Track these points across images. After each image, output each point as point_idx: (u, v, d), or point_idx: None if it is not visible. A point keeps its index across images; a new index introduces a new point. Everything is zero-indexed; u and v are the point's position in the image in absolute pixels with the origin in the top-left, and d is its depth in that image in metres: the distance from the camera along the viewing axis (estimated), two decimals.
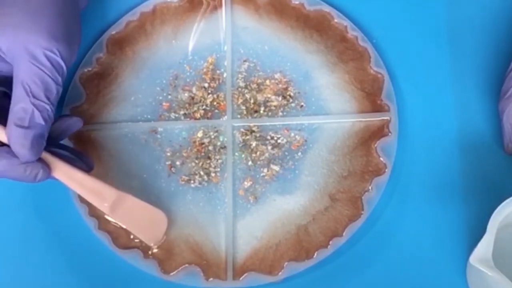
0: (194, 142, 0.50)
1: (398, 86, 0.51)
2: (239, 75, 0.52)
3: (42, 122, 0.42)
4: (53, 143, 0.46)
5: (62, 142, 0.47)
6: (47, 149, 0.44)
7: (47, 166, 0.43)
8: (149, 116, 0.52)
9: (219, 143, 0.50)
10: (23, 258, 0.48)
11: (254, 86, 0.52)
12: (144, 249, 0.47)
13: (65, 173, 0.44)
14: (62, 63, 0.43)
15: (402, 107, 0.50)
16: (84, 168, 0.46)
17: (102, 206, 0.45)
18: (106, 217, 0.47)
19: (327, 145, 0.50)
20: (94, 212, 0.48)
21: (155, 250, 0.47)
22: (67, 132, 0.47)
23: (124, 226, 0.47)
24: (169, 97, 0.52)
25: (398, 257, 0.46)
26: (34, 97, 0.41)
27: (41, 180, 0.43)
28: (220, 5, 0.54)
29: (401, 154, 0.49)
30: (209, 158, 0.50)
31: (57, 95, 0.43)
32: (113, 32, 0.54)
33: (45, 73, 0.42)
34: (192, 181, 0.49)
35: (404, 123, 0.50)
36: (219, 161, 0.50)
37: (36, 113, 0.41)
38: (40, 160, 0.43)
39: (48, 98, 0.42)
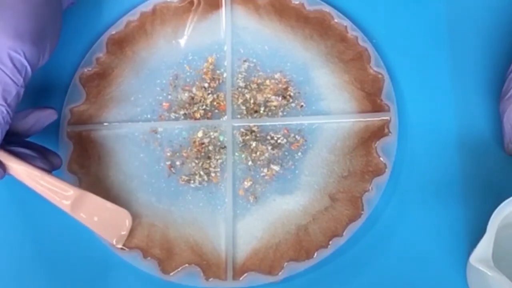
0: (194, 142, 0.50)
1: (398, 86, 0.51)
2: (239, 75, 0.52)
3: None
4: (19, 140, 0.45)
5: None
6: (5, 148, 0.43)
7: (2, 166, 0.43)
8: (149, 116, 0.52)
9: (219, 143, 0.50)
10: (23, 258, 0.48)
11: (254, 86, 0.52)
12: (144, 249, 0.47)
13: (22, 172, 0.44)
14: (27, 64, 0.42)
15: (402, 107, 0.50)
16: (45, 167, 0.45)
17: (63, 204, 0.45)
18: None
19: (327, 145, 0.50)
20: None
21: (155, 250, 0.47)
22: (38, 126, 0.46)
23: (86, 224, 0.46)
24: (169, 97, 0.52)
25: (398, 257, 0.46)
26: None
27: None
28: (220, 5, 0.54)
29: (401, 154, 0.49)
30: (209, 158, 0.50)
31: (17, 96, 0.43)
32: (113, 32, 0.54)
33: (5, 73, 0.41)
34: (192, 181, 0.49)
35: (404, 123, 0.50)
36: (219, 161, 0.50)
37: None
38: None
39: (5, 100, 0.42)
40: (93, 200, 0.45)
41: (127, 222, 0.46)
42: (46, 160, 0.45)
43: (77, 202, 0.45)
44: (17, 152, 0.44)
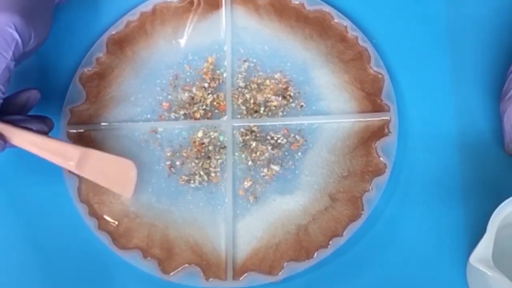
0: (194, 142, 0.50)
1: (398, 86, 0.51)
2: (239, 75, 0.52)
3: None
4: (18, 113, 0.45)
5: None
6: (1, 119, 0.43)
7: (1, 137, 0.43)
8: (149, 116, 0.52)
9: (219, 143, 0.50)
10: (23, 258, 0.48)
11: (254, 86, 0.52)
12: (144, 249, 0.47)
13: (23, 140, 0.44)
14: (17, 37, 0.42)
15: (402, 107, 0.50)
16: (44, 129, 0.45)
17: (68, 165, 0.45)
18: (105, 216, 0.47)
19: (327, 145, 0.50)
20: (94, 212, 0.48)
21: (155, 250, 0.47)
22: (28, 106, 0.46)
23: (94, 181, 0.46)
24: (169, 97, 0.52)
25: (398, 257, 0.46)
26: None
27: None
28: (220, 5, 0.54)
29: (401, 154, 0.49)
30: (209, 158, 0.50)
31: (7, 70, 0.42)
32: (113, 32, 0.54)
33: None
34: (192, 181, 0.49)
35: (404, 123, 0.50)
36: (219, 161, 0.50)
37: None
38: None
39: None
40: (97, 156, 0.46)
41: (133, 172, 0.46)
42: (40, 121, 0.46)
43: (82, 161, 0.45)
44: (13, 120, 0.44)
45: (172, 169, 0.50)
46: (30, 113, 0.47)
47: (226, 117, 0.51)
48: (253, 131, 0.50)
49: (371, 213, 0.47)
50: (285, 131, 0.50)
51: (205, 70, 0.53)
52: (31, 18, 0.44)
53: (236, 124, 0.51)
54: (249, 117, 0.51)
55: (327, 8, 0.53)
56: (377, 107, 0.50)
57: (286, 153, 0.50)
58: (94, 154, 0.45)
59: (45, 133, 0.46)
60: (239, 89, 0.52)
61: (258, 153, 0.50)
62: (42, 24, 0.46)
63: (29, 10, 0.44)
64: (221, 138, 0.50)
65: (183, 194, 0.49)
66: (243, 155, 0.50)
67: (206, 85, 0.52)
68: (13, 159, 0.50)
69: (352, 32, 0.52)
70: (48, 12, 0.47)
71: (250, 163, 0.50)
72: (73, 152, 0.45)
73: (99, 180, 0.46)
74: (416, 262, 0.46)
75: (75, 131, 0.51)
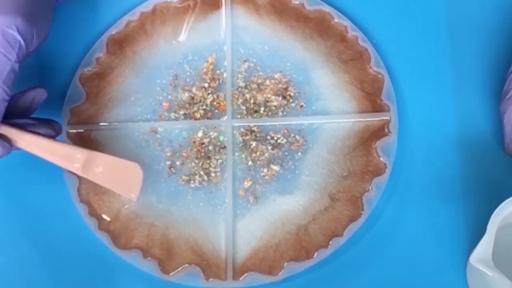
0: (194, 142, 0.50)
1: (398, 86, 0.51)
2: (239, 75, 0.52)
3: None
4: (24, 114, 0.45)
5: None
6: (7, 122, 0.44)
7: (7, 140, 0.43)
8: (149, 116, 0.52)
9: (219, 143, 0.50)
10: (23, 258, 0.48)
11: (254, 86, 0.52)
12: (144, 249, 0.47)
13: (29, 143, 0.44)
14: (20, 39, 0.42)
15: (402, 107, 0.50)
16: (51, 134, 0.45)
17: (74, 168, 0.45)
18: (104, 216, 0.47)
19: (327, 145, 0.50)
20: (94, 212, 0.48)
21: (155, 250, 0.47)
22: (34, 105, 0.46)
23: (101, 184, 0.46)
24: (169, 97, 0.52)
25: (398, 257, 0.46)
26: None
27: (3, 155, 0.43)
28: (220, 5, 0.54)
29: (401, 154, 0.49)
30: (209, 158, 0.50)
31: (12, 72, 0.43)
32: (113, 32, 0.54)
33: None
34: (192, 181, 0.49)
35: (404, 123, 0.50)
36: (219, 161, 0.50)
37: None
38: None
39: None
40: (103, 159, 0.46)
41: (139, 174, 0.46)
42: (48, 125, 0.46)
43: (87, 164, 0.45)
44: (20, 123, 0.45)
45: (172, 169, 0.50)
46: (36, 116, 0.47)
47: (226, 117, 0.51)
48: (253, 131, 0.50)
49: (371, 213, 0.47)
50: (285, 131, 0.50)
51: (205, 70, 0.53)
52: (33, 18, 0.44)
53: (236, 124, 0.51)
54: (249, 117, 0.51)
55: (327, 8, 0.53)
56: (377, 107, 0.50)
57: (286, 153, 0.50)
58: (100, 157, 0.45)
59: (52, 137, 0.46)
60: (239, 89, 0.52)
61: (258, 153, 0.50)
62: (43, 23, 0.46)
63: (31, 11, 0.44)
64: (221, 138, 0.50)
65: (183, 194, 0.49)
66: (243, 155, 0.50)
67: (206, 85, 0.52)
68: (14, 160, 0.50)
69: (352, 32, 0.52)
70: (48, 11, 0.47)
71: (250, 163, 0.50)
72: (79, 155, 0.45)
73: (106, 183, 0.46)
74: (416, 262, 0.46)
75: (75, 131, 0.51)
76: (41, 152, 0.45)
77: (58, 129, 0.47)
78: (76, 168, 0.45)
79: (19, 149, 0.45)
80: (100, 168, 0.45)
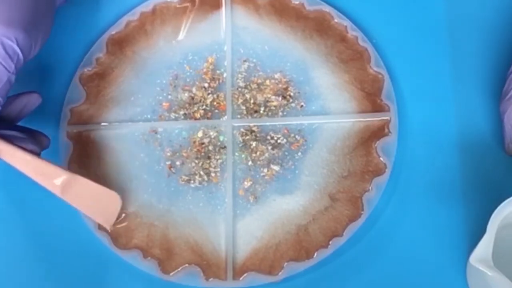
0: (194, 142, 0.51)
1: (398, 86, 0.51)
2: (239, 75, 0.52)
3: None
4: (7, 125, 0.45)
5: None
6: None
7: None
8: (149, 116, 0.52)
9: (219, 143, 0.50)
10: (23, 258, 0.48)
11: (254, 86, 0.52)
12: (144, 249, 0.47)
13: (12, 156, 0.44)
14: (19, 51, 0.43)
15: (402, 107, 0.50)
16: (35, 150, 0.45)
17: (53, 187, 0.45)
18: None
19: (327, 145, 0.50)
20: None
21: (155, 250, 0.47)
22: (26, 110, 0.46)
23: (77, 207, 0.46)
24: (169, 97, 0.52)
25: (398, 257, 0.46)
26: None
27: None
28: (220, 5, 0.54)
29: (401, 154, 0.49)
30: (209, 158, 0.50)
31: (8, 83, 0.43)
32: (113, 32, 0.54)
33: None
34: (192, 181, 0.49)
35: (404, 123, 0.50)
36: (219, 161, 0.50)
37: None
38: None
39: None
40: (84, 183, 0.45)
41: (117, 204, 0.46)
42: (35, 141, 0.46)
43: (67, 186, 0.45)
44: (7, 135, 0.44)
45: (172, 169, 0.50)
46: (35, 116, 0.47)
47: (226, 117, 0.51)
48: (253, 131, 0.50)
49: (371, 213, 0.47)
50: (285, 131, 0.50)
51: (205, 70, 0.53)
52: (34, 30, 0.44)
53: (236, 124, 0.51)
54: (249, 117, 0.51)
55: (327, 8, 0.53)
56: (377, 107, 0.50)
57: (286, 153, 0.50)
58: (81, 181, 0.45)
59: (37, 154, 0.45)
60: (239, 89, 0.52)
61: (258, 153, 0.50)
62: (44, 33, 0.46)
63: (33, 23, 0.44)
64: (221, 138, 0.50)
65: (183, 194, 0.49)
66: (243, 155, 0.50)
67: (206, 85, 0.52)
68: None
69: (352, 32, 0.52)
70: (50, 20, 0.47)
71: (250, 163, 0.50)
72: (60, 175, 0.45)
73: (81, 206, 0.46)
74: (416, 262, 0.46)
75: (75, 131, 0.51)
76: (22, 166, 0.44)
77: (45, 144, 0.47)
78: (55, 187, 0.45)
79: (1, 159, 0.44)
80: (79, 191, 0.45)
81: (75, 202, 0.46)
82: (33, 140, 0.45)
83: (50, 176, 0.45)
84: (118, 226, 0.48)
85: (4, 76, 0.42)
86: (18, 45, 0.43)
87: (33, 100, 0.47)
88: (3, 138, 0.44)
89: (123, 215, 0.48)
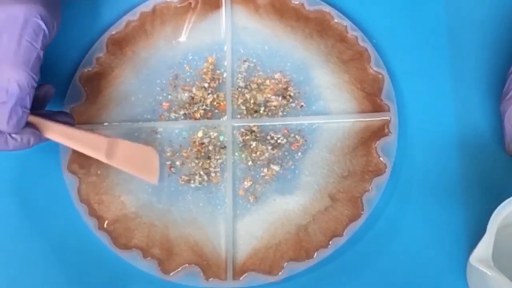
0: (194, 142, 0.51)
1: (398, 86, 0.51)
2: (239, 75, 0.52)
3: (16, 91, 0.41)
4: (39, 107, 0.46)
5: None
6: (35, 112, 0.44)
7: (37, 130, 0.44)
8: (149, 116, 0.52)
9: (219, 143, 0.50)
10: (23, 258, 0.48)
11: (254, 86, 0.52)
12: (144, 249, 0.47)
13: (57, 132, 0.45)
14: (44, 26, 0.43)
15: (402, 107, 0.50)
16: (71, 122, 0.46)
17: (99, 155, 0.45)
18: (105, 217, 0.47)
19: (327, 145, 0.50)
20: (94, 212, 0.48)
21: (155, 250, 0.47)
22: (48, 97, 0.47)
23: (123, 169, 0.46)
24: (169, 97, 0.52)
25: (398, 257, 0.46)
26: None
27: (35, 144, 0.44)
28: (220, 5, 0.54)
29: (401, 154, 0.49)
30: (209, 158, 0.50)
31: (38, 59, 0.43)
32: (113, 32, 0.54)
33: (24, 37, 0.42)
34: (192, 181, 0.49)
35: (404, 123, 0.50)
36: (219, 161, 0.50)
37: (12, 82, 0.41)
38: (29, 125, 0.43)
39: (27, 65, 0.42)
40: (124, 145, 0.46)
41: (155, 158, 0.46)
42: (64, 115, 0.47)
43: (110, 150, 0.45)
44: (43, 114, 0.45)
45: (172, 169, 0.50)
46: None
47: (226, 117, 0.51)
48: (253, 131, 0.50)
49: (371, 213, 0.47)
50: (285, 131, 0.50)
51: (205, 70, 0.53)
52: (52, 8, 0.44)
53: (236, 124, 0.51)
54: (249, 117, 0.51)
55: (327, 8, 0.53)
56: (377, 107, 0.50)
57: (286, 153, 0.50)
58: (121, 143, 0.46)
59: (72, 126, 0.46)
60: (239, 89, 0.52)
61: (258, 153, 0.50)
62: (58, 14, 0.46)
63: (49, 1, 0.44)
64: (221, 138, 0.50)
65: (183, 194, 0.49)
66: (243, 155, 0.50)
67: (206, 85, 0.52)
68: (14, 160, 0.50)
69: (352, 32, 0.52)
70: (59, 3, 0.48)
71: (250, 163, 0.50)
72: (102, 142, 0.45)
73: (128, 167, 0.46)
74: (416, 262, 0.46)
75: None
76: (67, 140, 0.45)
77: (73, 118, 0.48)
78: (100, 155, 0.45)
79: (46, 139, 0.45)
80: (122, 154, 0.46)
81: (120, 165, 0.46)
82: (62, 115, 0.46)
83: (94, 144, 0.45)
84: (118, 226, 0.48)
85: (34, 53, 0.43)
86: (42, 20, 0.43)
87: (50, 90, 0.47)
88: (42, 116, 0.44)
89: (123, 214, 0.48)
